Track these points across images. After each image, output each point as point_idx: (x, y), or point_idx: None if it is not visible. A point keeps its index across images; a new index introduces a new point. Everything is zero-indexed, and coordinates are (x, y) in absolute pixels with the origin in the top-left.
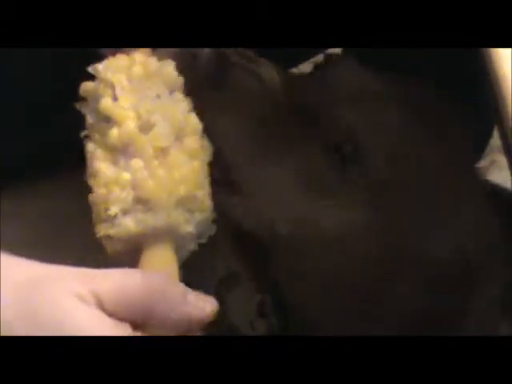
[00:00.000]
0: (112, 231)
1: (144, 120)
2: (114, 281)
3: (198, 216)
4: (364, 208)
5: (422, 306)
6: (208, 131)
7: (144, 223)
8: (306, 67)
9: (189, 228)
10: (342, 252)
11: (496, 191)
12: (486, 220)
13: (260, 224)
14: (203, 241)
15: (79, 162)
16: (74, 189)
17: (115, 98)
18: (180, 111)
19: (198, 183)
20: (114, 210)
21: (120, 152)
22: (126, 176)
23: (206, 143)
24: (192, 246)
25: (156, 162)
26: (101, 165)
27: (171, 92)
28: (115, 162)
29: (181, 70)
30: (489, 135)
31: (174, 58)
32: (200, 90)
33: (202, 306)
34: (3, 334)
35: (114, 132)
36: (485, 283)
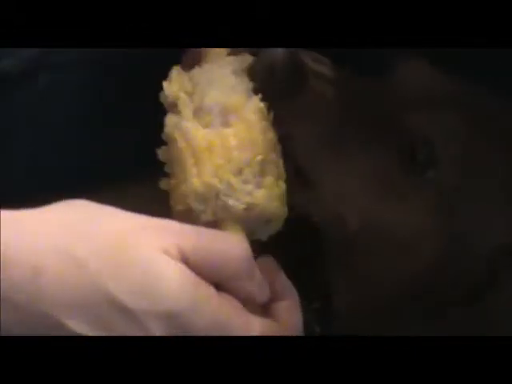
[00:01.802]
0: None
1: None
2: (203, 239)
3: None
4: (433, 212)
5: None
6: (281, 134)
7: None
8: None
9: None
10: (406, 254)
11: None
12: None
13: (329, 219)
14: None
15: (143, 173)
16: (140, 199)
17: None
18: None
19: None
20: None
21: None
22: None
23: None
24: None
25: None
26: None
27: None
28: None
29: (259, 79)
30: None
31: (250, 72)
32: (275, 96)
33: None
34: (90, 282)
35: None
36: None
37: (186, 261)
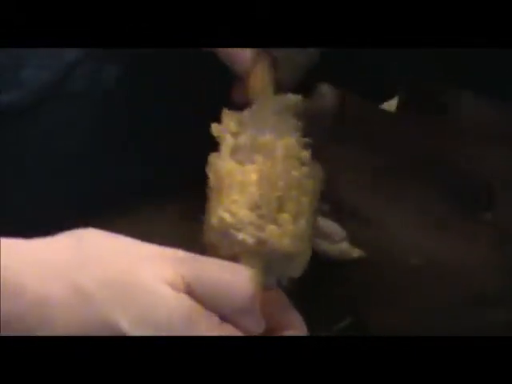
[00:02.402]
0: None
1: None
2: (208, 270)
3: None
4: (487, 246)
5: None
6: (323, 161)
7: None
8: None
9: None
10: (457, 285)
11: None
12: None
13: (386, 256)
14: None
15: (181, 188)
16: (175, 216)
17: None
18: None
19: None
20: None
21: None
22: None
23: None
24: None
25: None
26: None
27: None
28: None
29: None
30: None
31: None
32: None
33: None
34: (95, 312)
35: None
36: None
37: (189, 291)
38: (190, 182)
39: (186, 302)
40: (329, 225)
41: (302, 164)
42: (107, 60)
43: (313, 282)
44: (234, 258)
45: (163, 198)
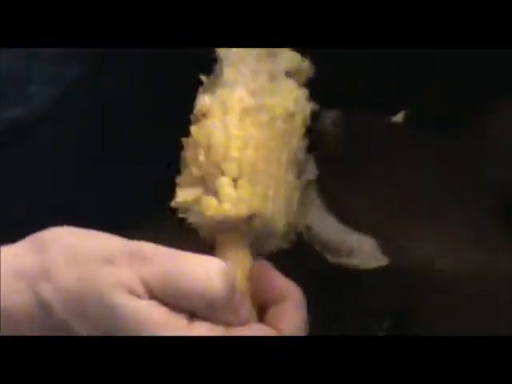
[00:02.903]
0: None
1: None
2: (172, 266)
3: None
4: None
5: None
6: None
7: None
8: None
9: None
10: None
11: None
12: None
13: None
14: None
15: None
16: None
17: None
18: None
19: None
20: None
21: None
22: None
23: None
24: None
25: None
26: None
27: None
28: None
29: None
30: None
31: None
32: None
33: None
34: (59, 325)
35: None
36: None
37: (153, 295)
38: None
39: (145, 310)
40: (334, 238)
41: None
42: (108, 74)
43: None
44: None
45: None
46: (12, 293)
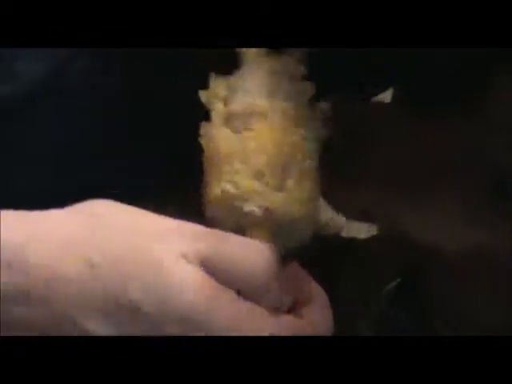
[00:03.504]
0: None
1: None
2: (225, 245)
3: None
4: None
5: None
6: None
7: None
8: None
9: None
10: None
11: None
12: None
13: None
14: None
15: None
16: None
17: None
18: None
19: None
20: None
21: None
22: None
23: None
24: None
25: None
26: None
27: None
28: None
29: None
30: None
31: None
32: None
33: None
34: (105, 283)
35: None
36: None
37: (204, 266)
38: (189, 179)
39: (199, 275)
40: (325, 214)
41: (301, 126)
42: (102, 54)
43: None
44: (239, 230)
45: (163, 196)
46: (60, 257)
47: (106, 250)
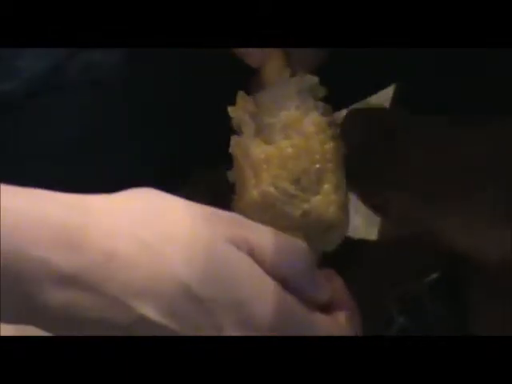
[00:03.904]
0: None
1: None
2: (271, 236)
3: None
4: None
5: None
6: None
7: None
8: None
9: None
10: None
11: None
12: None
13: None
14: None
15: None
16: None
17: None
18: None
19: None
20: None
21: None
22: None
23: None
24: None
25: None
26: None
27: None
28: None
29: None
30: None
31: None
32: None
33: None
34: (162, 268)
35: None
36: None
37: (252, 255)
38: (183, 172)
39: (250, 262)
40: None
41: (331, 139)
42: (103, 50)
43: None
44: None
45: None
46: (116, 237)
47: (160, 232)
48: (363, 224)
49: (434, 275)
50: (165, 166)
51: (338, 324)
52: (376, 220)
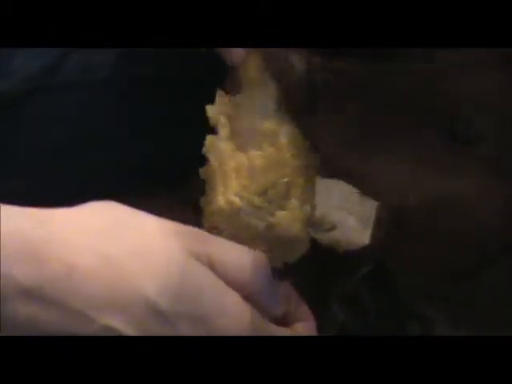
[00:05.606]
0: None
1: None
2: (232, 250)
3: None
4: (485, 180)
5: None
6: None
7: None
8: None
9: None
10: (462, 221)
11: None
12: None
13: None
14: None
15: (193, 175)
16: (189, 202)
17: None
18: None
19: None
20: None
21: None
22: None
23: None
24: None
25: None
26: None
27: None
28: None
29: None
30: None
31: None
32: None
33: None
34: (124, 281)
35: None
36: None
37: (213, 269)
38: (177, 173)
39: (212, 276)
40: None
41: (303, 153)
42: (99, 49)
43: None
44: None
45: (151, 189)
46: (79, 251)
47: (123, 246)
48: (357, 226)
49: (367, 268)
50: (164, 166)
51: (298, 334)
52: (370, 222)
